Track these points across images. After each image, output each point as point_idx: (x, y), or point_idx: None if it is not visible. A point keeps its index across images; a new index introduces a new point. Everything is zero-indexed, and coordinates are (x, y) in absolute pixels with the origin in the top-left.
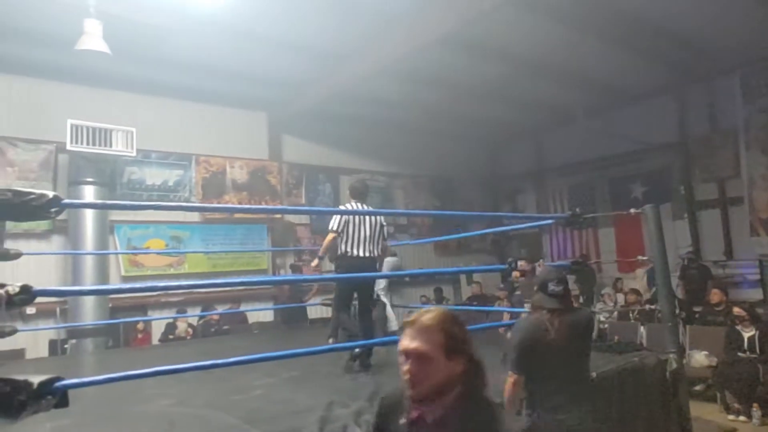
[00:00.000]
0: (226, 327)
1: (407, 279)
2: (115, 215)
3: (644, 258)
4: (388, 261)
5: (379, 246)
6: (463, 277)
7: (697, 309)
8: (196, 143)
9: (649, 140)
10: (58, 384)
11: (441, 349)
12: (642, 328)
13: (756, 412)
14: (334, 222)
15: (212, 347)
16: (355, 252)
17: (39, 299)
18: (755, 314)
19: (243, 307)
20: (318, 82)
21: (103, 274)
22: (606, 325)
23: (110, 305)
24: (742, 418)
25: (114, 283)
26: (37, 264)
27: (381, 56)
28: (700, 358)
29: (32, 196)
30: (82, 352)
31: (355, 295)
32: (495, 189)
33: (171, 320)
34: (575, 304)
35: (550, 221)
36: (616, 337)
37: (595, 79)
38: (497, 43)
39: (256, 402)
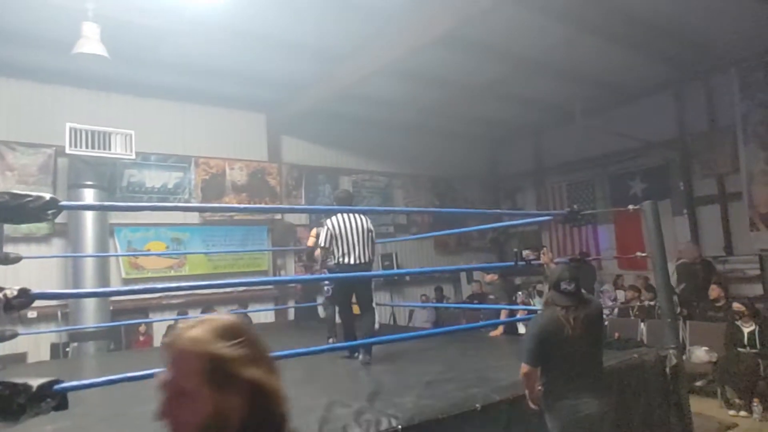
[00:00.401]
0: None
1: (407, 278)
2: (115, 218)
3: (644, 254)
4: None
5: (371, 250)
6: (463, 276)
7: (697, 305)
8: (195, 145)
9: (647, 137)
10: (57, 387)
11: (202, 379)
12: (642, 325)
13: (757, 407)
14: (321, 239)
15: None
16: (347, 260)
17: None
18: (755, 309)
19: (244, 309)
20: (317, 82)
21: (103, 277)
22: (606, 322)
23: (111, 308)
24: (743, 413)
25: (114, 286)
26: (37, 268)
27: (380, 56)
28: (700, 354)
29: (29, 199)
30: (84, 355)
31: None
32: (495, 188)
33: (173, 322)
34: None
35: (549, 218)
36: (616, 334)
37: (594, 77)
38: (496, 42)
39: None
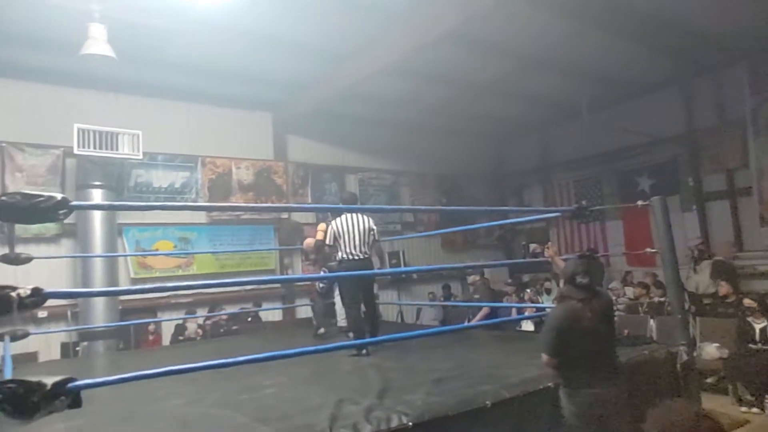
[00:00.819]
0: (235, 327)
1: (415, 276)
2: (124, 218)
3: (653, 250)
4: None
5: (371, 247)
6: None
7: (707, 301)
8: (201, 145)
9: (655, 133)
10: (71, 385)
11: None
12: (652, 321)
13: None
14: (328, 237)
15: (222, 347)
16: (352, 256)
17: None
18: (767, 305)
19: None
20: (322, 81)
21: (112, 277)
22: (616, 319)
23: (120, 307)
24: (754, 409)
25: (123, 286)
26: (47, 268)
27: (385, 54)
28: (711, 351)
29: (41, 199)
30: (94, 354)
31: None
32: (501, 185)
33: (181, 321)
34: None
35: (557, 214)
36: (626, 331)
37: (600, 72)
38: (500, 39)
39: (266, 400)
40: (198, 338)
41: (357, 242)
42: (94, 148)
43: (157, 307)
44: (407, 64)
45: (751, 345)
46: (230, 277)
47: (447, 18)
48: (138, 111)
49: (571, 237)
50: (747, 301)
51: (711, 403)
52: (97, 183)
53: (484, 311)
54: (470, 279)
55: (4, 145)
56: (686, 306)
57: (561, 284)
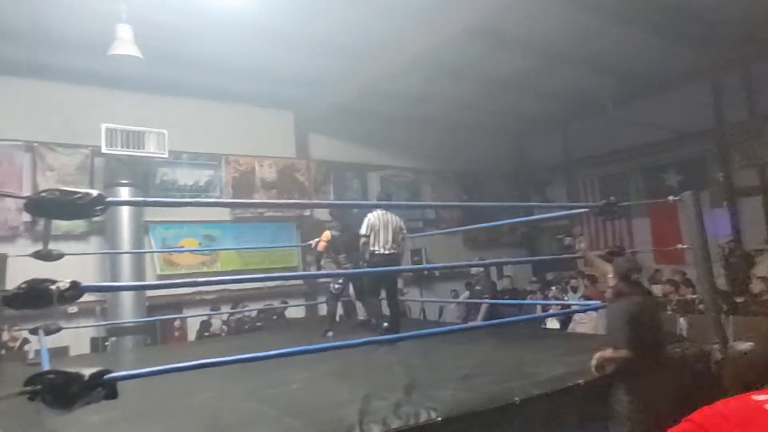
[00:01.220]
0: (259, 324)
1: (437, 273)
2: (150, 216)
3: (684, 246)
4: None
5: (398, 244)
6: (493, 271)
7: (739, 299)
8: (225, 143)
9: (682, 128)
10: (107, 376)
11: None
12: (681, 320)
13: None
14: (364, 227)
15: (247, 343)
16: (380, 250)
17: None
18: None
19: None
20: (344, 79)
21: (139, 274)
22: None
23: (147, 304)
24: None
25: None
26: (76, 264)
27: (406, 51)
28: (744, 350)
29: (78, 195)
30: (123, 349)
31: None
32: (524, 182)
33: (206, 318)
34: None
35: (584, 209)
36: None
37: (625, 66)
38: (524, 34)
39: (294, 395)
40: (222, 334)
41: (388, 238)
42: (122, 147)
43: (182, 303)
44: (429, 60)
45: None
46: (254, 275)
47: (469, 13)
48: (163, 110)
49: (596, 235)
50: None
51: None
52: (124, 181)
53: (485, 307)
54: (474, 270)
55: (35, 145)
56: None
57: (610, 281)
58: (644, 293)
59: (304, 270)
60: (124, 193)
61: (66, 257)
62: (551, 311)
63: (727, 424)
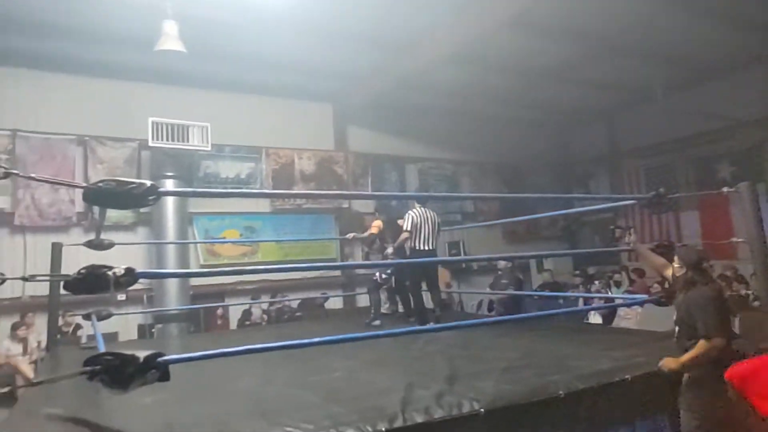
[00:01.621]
0: (298, 314)
1: (475, 266)
2: (194, 207)
3: (737, 240)
4: None
5: (437, 240)
6: (533, 265)
7: None
8: (265, 136)
9: (737, 116)
10: (160, 359)
11: None
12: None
13: None
14: (407, 224)
15: (288, 332)
16: (422, 246)
17: (134, 284)
18: None
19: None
20: (383, 71)
21: (183, 264)
22: None
23: (191, 293)
24: None
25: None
26: (124, 254)
27: (445, 42)
28: None
29: (133, 185)
30: (168, 335)
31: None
32: (566, 174)
33: (247, 306)
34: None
35: (631, 202)
36: None
37: (676, 53)
38: (567, 23)
39: (336, 382)
40: (263, 323)
41: (428, 234)
42: (167, 140)
43: (224, 292)
44: (469, 51)
45: None
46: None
47: (509, 2)
48: (206, 104)
49: (641, 229)
50: None
51: None
52: (169, 174)
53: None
54: (501, 264)
55: (86, 138)
56: None
57: (676, 270)
58: (716, 281)
59: (342, 261)
60: (169, 185)
61: (117, 246)
62: (594, 305)
63: None
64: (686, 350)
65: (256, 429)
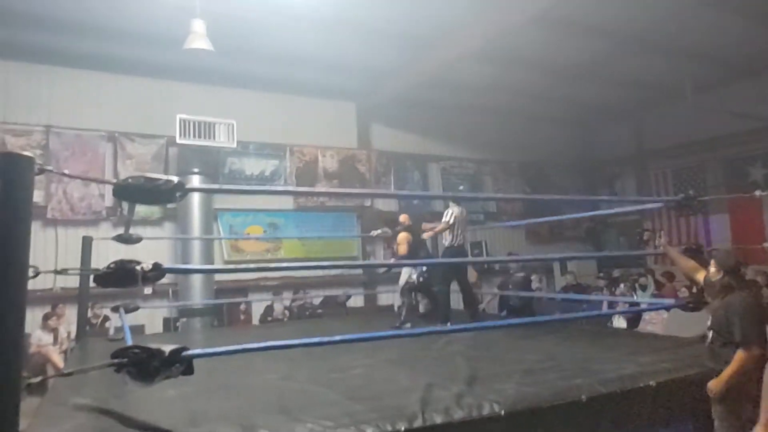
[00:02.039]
0: (320, 311)
1: (497, 267)
2: (219, 204)
3: None
4: None
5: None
6: (555, 267)
7: None
8: (290, 134)
9: None
10: (184, 353)
11: None
12: None
13: None
14: (450, 217)
15: (309, 328)
16: (456, 242)
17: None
18: None
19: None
20: (406, 69)
21: (208, 259)
22: None
23: (215, 288)
24: None
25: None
26: (151, 248)
27: (471, 39)
28: None
29: (161, 182)
30: (192, 329)
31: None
32: (591, 174)
33: (269, 302)
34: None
35: (659, 205)
36: None
37: (707, 51)
38: (594, 19)
39: (356, 380)
40: (285, 319)
41: (463, 231)
42: (194, 137)
43: (247, 288)
44: (494, 48)
45: None
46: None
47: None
48: (231, 101)
49: (668, 232)
50: None
51: None
52: (195, 170)
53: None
54: (513, 266)
55: (117, 135)
56: None
57: (713, 274)
58: (751, 286)
59: (363, 260)
60: (196, 182)
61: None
62: (618, 309)
63: None
64: (719, 356)
65: (276, 424)
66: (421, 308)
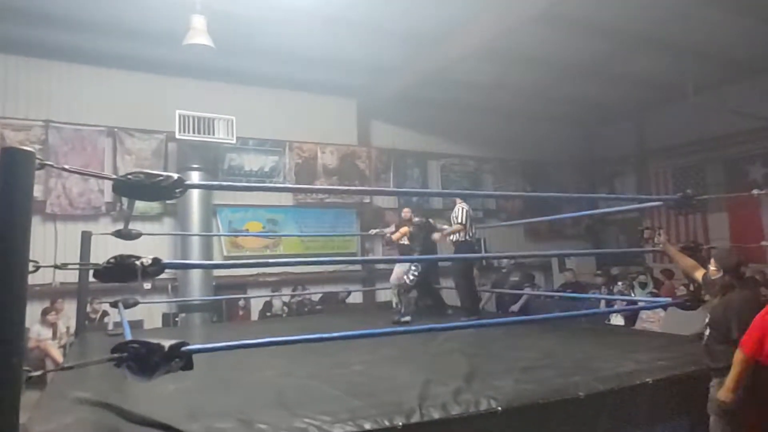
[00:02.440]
0: (319, 307)
1: (495, 264)
2: (218, 199)
3: None
4: None
5: None
6: (554, 264)
7: None
8: (289, 130)
9: None
10: (184, 348)
11: None
12: None
13: None
14: (463, 218)
15: (308, 324)
16: (470, 238)
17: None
18: None
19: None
20: (407, 66)
21: (207, 255)
22: None
23: (214, 283)
24: None
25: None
26: (150, 244)
27: (473, 37)
28: None
29: (161, 178)
30: (191, 324)
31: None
32: (591, 172)
33: (269, 298)
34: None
35: (658, 203)
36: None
37: (709, 50)
38: (598, 17)
39: (355, 377)
40: (284, 315)
41: (471, 227)
42: (193, 133)
43: (246, 284)
44: (496, 46)
45: None
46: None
47: None
48: (231, 97)
49: (667, 230)
50: None
51: None
52: (195, 166)
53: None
54: (504, 263)
55: (116, 130)
56: None
57: (713, 273)
58: (751, 286)
59: (362, 256)
60: (195, 177)
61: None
62: (616, 307)
63: None
64: (715, 354)
65: (275, 419)
66: (420, 304)
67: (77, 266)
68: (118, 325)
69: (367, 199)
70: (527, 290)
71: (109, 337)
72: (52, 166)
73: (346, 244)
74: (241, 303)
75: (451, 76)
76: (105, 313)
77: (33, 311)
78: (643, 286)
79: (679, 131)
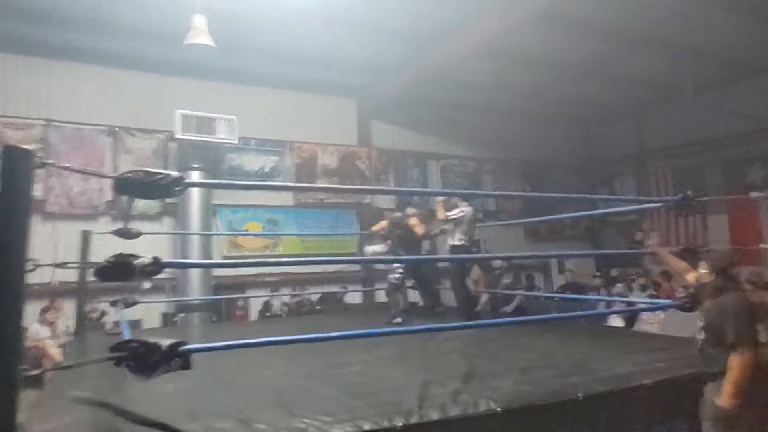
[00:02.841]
0: (318, 307)
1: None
2: (218, 199)
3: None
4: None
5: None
6: (554, 265)
7: None
8: (290, 130)
9: None
10: (182, 348)
11: None
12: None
13: None
14: (454, 216)
15: (307, 324)
16: (468, 242)
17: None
18: None
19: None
20: (407, 66)
21: (207, 255)
22: None
23: (213, 283)
24: None
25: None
26: (150, 243)
27: (473, 37)
28: None
29: (160, 176)
30: (190, 324)
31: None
32: (590, 173)
33: (267, 299)
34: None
35: (657, 204)
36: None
37: (709, 50)
38: (598, 17)
39: (354, 377)
40: (283, 315)
41: (471, 229)
42: (194, 132)
43: (245, 284)
44: (496, 46)
45: None
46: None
47: None
48: (232, 97)
49: (667, 232)
50: None
51: None
52: (195, 165)
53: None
54: (497, 264)
55: (116, 129)
56: None
57: (703, 277)
58: (741, 288)
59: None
60: (195, 177)
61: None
62: (615, 308)
63: None
64: (710, 358)
65: (274, 419)
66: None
67: (76, 265)
68: (116, 324)
69: (367, 199)
70: (520, 291)
71: (108, 336)
72: (52, 165)
73: (345, 244)
74: (240, 303)
75: (451, 76)
76: (104, 313)
77: (32, 310)
78: (644, 288)
79: (679, 132)
